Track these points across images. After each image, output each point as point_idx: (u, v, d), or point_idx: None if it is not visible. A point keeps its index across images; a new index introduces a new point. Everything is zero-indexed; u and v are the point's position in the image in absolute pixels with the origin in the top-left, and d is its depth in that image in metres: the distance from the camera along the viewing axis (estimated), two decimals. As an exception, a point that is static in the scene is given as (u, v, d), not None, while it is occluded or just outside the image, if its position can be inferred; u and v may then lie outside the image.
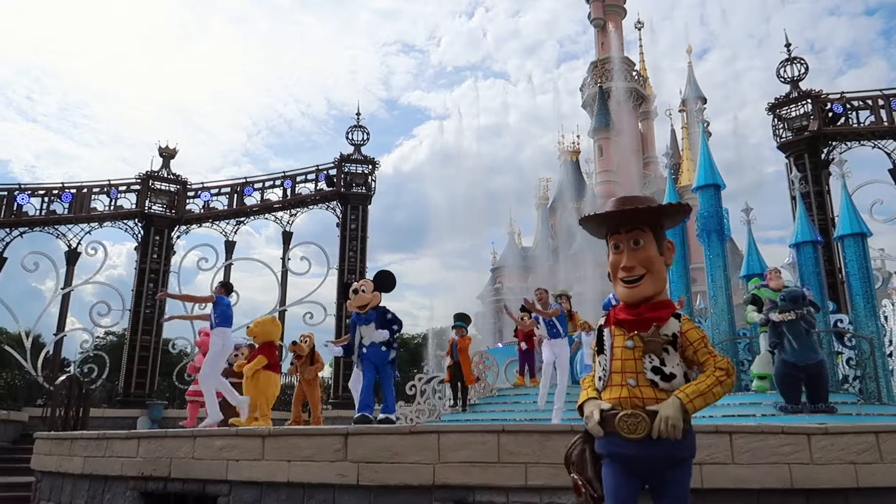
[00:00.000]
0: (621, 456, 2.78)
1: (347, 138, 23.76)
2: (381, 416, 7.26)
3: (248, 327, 8.75)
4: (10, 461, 13.35)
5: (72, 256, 21.32)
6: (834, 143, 19.90)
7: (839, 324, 11.02)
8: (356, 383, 8.63)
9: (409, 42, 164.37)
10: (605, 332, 2.96)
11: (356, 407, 7.48)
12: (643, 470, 2.79)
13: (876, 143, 19.68)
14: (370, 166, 23.39)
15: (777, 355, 8.19)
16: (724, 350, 10.51)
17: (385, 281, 7.37)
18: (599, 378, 2.92)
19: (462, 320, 11.92)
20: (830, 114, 19.89)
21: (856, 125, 19.85)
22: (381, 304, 7.31)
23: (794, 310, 7.91)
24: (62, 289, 20.97)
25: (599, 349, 2.97)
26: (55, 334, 20.77)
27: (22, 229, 20.91)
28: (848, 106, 19.96)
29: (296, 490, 5.90)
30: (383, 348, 7.14)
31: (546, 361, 9.33)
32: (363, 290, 7.17)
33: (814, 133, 19.59)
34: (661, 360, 2.81)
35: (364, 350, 7.16)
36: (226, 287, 8.92)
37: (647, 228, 2.91)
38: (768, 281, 9.21)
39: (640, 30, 63.30)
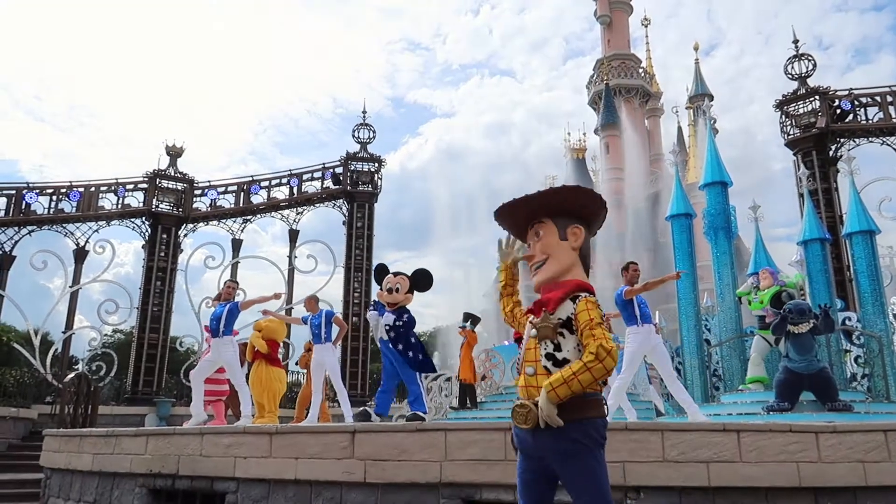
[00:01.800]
0: (522, 446, 2.81)
1: (353, 136, 23.80)
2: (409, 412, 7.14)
3: (256, 321, 8.78)
4: (19, 458, 13.46)
5: (80, 255, 21.42)
6: (842, 140, 19.79)
7: (847, 322, 10.97)
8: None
9: (414, 40, 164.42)
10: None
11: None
12: (542, 460, 2.74)
13: (884, 139, 19.55)
14: (376, 164, 23.41)
15: (781, 362, 8.26)
16: (732, 348, 10.48)
17: (421, 282, 7.17)
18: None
19: (468, 320, 11.93)
20: (839, 110, 19.78)
21: (864, 122, 19.74)
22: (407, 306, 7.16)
23: (801, 322, 7.99)
24: (70, 287, 21.07)
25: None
26: (64, 332, 20.88)
27: (30, 228, 21.01)
28: (856, 102, 19.84)
29: (303, 487, 5.92)
30: (391, 346, 7.08)
31: None
32: (397, 290, 7.04)
33: (822, 130, 19.48)
34: (557, 344, 2.74)
35: (380, 341, 7.15)
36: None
37: (546, 219, 2.96)
38: (760, 280, 9.24)
39: (646, 26, 63.16)
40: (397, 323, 7.03)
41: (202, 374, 8.43)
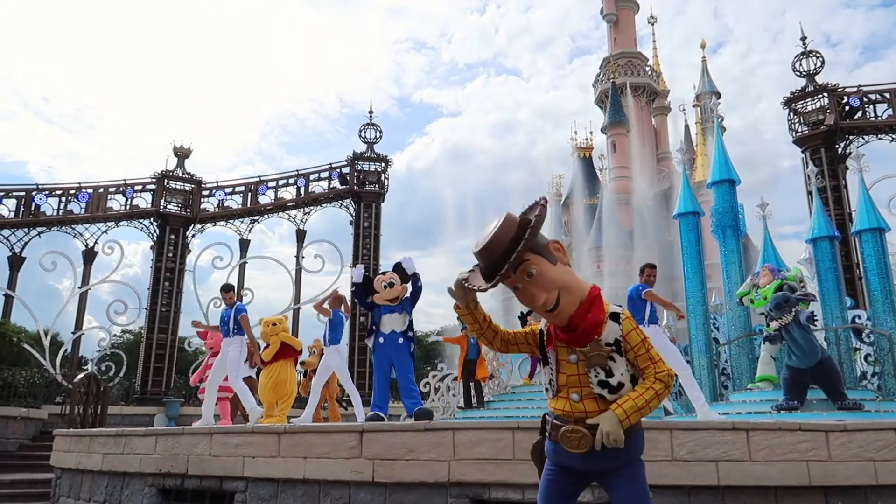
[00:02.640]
0: (562, 464, 2.76)
1: (360, 136, 23.86)
2: (417, 409, 7.15)
3: (269, 325, 8.80)
4: (30, 458, 13.55)
5: (89, 256, 21.56)
6: (851, 137, 19.69)
7: (857, 320, 10.90)
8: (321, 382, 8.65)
9: (420, 39, 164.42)
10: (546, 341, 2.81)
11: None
12: (588, 479, 2.77)
13: (894, 136, 19.43)
14: (383, 164, 23.46)
15: (782, 361, 8.22)
16: (741, 347, 10.44)
17: (404, 270, 7.37)
18: (546, 389, 2.82)
19: None
20: (847, 107, 19.68)
21: (873, 118, 19.63)
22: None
23: (781, 317, 7.95)
24: (79, 288, 21.20)
25: (544, 360, 2.82)
26: (73, 333, 21.02)
27: (40, 229, 21.18)
28: (865, 99, 19.74)
29: (312, 487, 5.94)
30: (400, 340, 7.09)
31: None
32: (393, 284, 7.17)
33: (830, 127, 19.38)
34: (608, 370, 2.66)
35: (381, 340, 7.11)
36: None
37: (528, 254, 2.61)
38: (760, 278, 9.19)
39: (653, 24, 62.95)
40: (410, 320, 7.23)
41: (218, 376, 8.57)
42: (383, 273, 7.40)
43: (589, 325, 2.66)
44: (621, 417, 2.57)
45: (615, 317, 2.70)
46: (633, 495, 2.73)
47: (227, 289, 9.10)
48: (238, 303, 8.78)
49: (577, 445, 2.63)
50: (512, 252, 2.56)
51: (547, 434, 2.82)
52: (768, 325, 8.45)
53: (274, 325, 8.67)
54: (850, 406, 7.67)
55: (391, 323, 7.11)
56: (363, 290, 7.28)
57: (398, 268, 7.32)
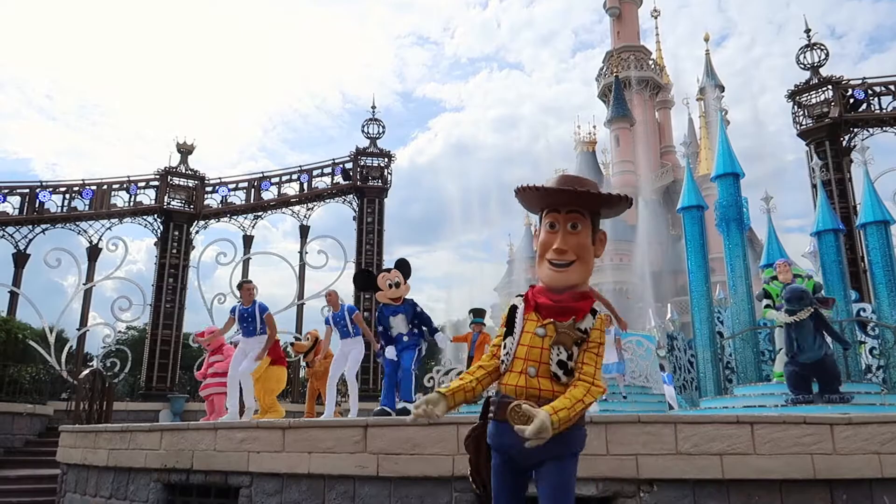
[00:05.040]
0: (503, 444, 2.73)
1: (363, 132, 23.83)
2: (399, 405, 7.26)
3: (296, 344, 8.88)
4: (36, 454, 13.61)
5: (93, 252, 21.58)
6: (855, 130, 19.59)
7: (862, 313, 10.88)
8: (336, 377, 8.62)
9: (423, 34, 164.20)
10: (519, 313, 2.82)
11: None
12: (526, 462, 2.73)
13: (899, 129, 19.33)
14: (386, 159, 23.43)
15: (786, 354, 8.10)
16: (745, 341, 10.42)
17: (407, 268, 7.43)
18: (502, 361, 2.79)
19: (480, 315, 11.90)
20: (852, 100, 19.57)
21: (878, 111, 19.52)
22: (409, 297, 7.39)
23: (799, 309, 7.80)
24: (84, 284, 21.23)
25: (508, 330, 2.82)
26: (78, 329, 21.06)
27: (44, 226, 21.19)
28: (870, 92, 19.63)
29: (316, 481, 5.95)
30: (406, 339, 7.15)
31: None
32: (398, 283, 7.18)
33: (835, 120, 19.29)
34: (570, 353, 2.69)
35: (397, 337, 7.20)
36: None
37: (587, 214, 2.77)
38: (777, 273, 9.11)
39: (656, 18, 62.72)
40: (418, 310, 7.31)
41: (246, 370, 8.47)
42: (387, 270, 7.39)
43: (578, 304, 2.74)
44: (554, 424, 2.53)
45: (594, 312, 2.77)
46: (562, 493, 2.72)
47: (249, 285, 8.75)
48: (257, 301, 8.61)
49: (525, 420, 2.58)
50: (574, 191, 2.67)
51: (491, 415, 2.79)
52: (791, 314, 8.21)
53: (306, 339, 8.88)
54: (836, 400, 7.61)
55: (397, 326, 7.20)
56: (366, 284, 7.29)
57: (401, 264, 7.34)
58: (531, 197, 2.80)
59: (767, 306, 9.10)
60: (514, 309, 2.85)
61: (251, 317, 8.38)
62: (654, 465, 4.97)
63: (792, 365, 7.91)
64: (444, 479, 5.45)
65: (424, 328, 7.35)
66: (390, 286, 7.18)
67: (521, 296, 2.90)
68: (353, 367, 8.28)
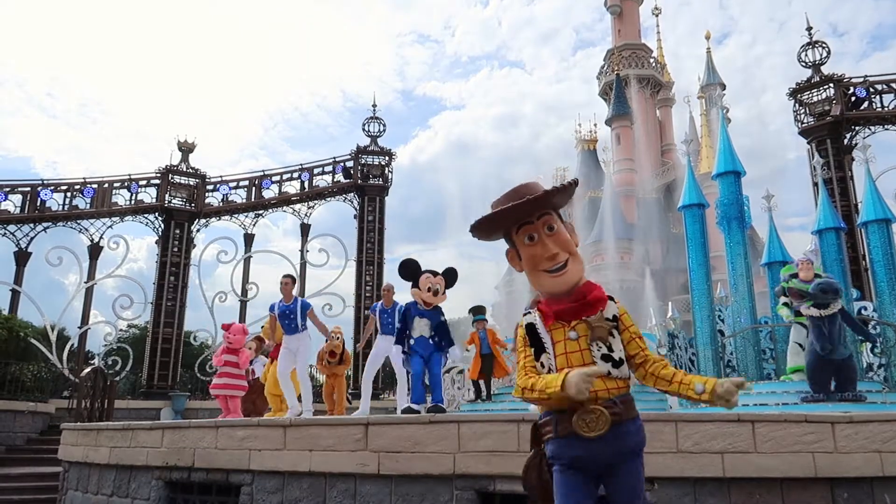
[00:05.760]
0: (578, 458, 2.62)
1: (364, 130, 23.82)
2: (430, 404, 7.20)
3: (262, 328, 8.76)
4: (38, 452, 13.64)
5: (94, 251, 21.59)
6: (857, 128, 19.56)
7: (863, 311, 10.86)
8: (371, 374, 8.62)
9: (424, 32, 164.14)
10: (540, 328, 2.72)
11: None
12: (599, 468, 2.64)
13: (900, 127, 19.30)
14: (387, 158, 23.43)
15: (809, 347, 7.94)
16: (746, 339, 10.41)
17: (453, 281, 7.31)
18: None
19: (482, 312, 11.88)
20: (853, 98, 19.54)
21: (880, 109, 19.48)
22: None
23: (829, 302, 7.64)
24: (85, 283, 21.25)
25: (538, 349, 2.71)
26: (79, 327, 21.08)
27: (45, 224, 21.20)
28: (871, 90, 19.59)
29: (318, 479, 5.96)
30: (431, 341, 7.12)
31: None
32: (437, 292, 7.10)
33: (836, 118, 19.25)
34: (609, 345, 2.65)
35: (412, 342, 7.14)
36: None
37: (553, 212, 2.75)
38: (798, 271, 9.03)
39: (657, 16, 62.67)
40: (442, 319, 7.20)
41: (287, 367, 8.46)
42: (434, 274, 7.18)
43: (593, 296, 2.70)
44: (686, 381, 2.61)
45: (611, 297, 2.75)
46: (637, 486, 2.69)
47: (287, 279, 8.60)
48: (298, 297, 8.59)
49: (595, 427, 2.54)
50: (543, 194, 2.65)
51: (552, 434, 2.67)
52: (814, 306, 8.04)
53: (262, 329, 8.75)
54: (851, 398, 7.55)
55: (420, 328, 7.11)
56: (412, 275, 7.18)
57: (449, 274, 7.22)
58: (497, 223, 2.73)
59: (785, 304, 9.02)
60: (531, 327, 2.75)
61: (293, 313, 8.28)
62: (655, 464, 4.96)
63: (818, 361, 7.76)
64: (445, 477, 5.45)
65: (441, 340, 7.21)
66: (430, 290, 7.09)
67: (530, 312, 2.80)
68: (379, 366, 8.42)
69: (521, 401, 2.84)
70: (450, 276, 7.22)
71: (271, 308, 8.59)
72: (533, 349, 2.73)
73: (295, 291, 8.66)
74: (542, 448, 2.76)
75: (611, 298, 2.74)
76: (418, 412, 6.83)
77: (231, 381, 9.09)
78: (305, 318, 8.36)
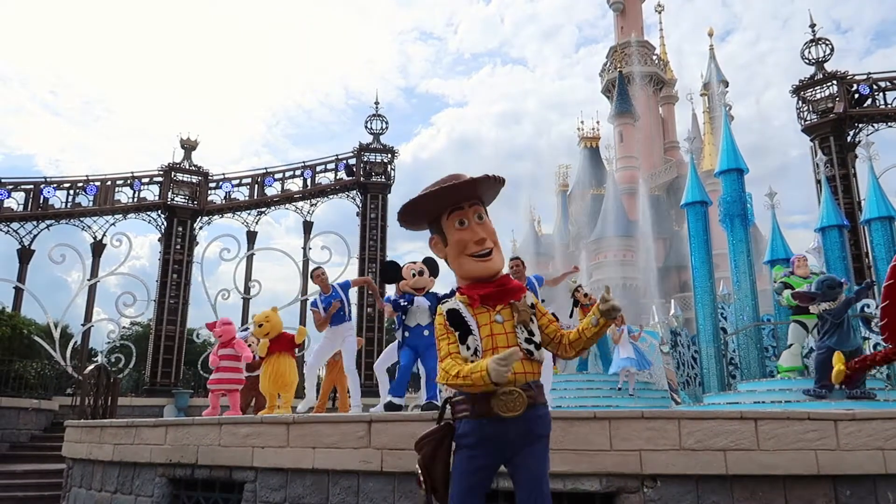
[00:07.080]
0: (489, 438, 2.72)
1: (366, 127, 23.81)
2: (424, 402, 7.13)
3: (256, 327, 8.52)
4: (42, 449, 13.69)
5: (97, 248, 21.65)
6: (860, 125, 19.52)
7: (866, 309, 10.85)
8: (385, 363, 8.43)
9: (426, 29, 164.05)
10: (464, 312, 2.83)
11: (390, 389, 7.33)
12: (504, 451, 2.75)
13: (904, 124, 19.26)
14: (389, 155, 23.43)
15: (821, 341, 7.92)
16: (748, 336, 10.42)
17: (435, 266, 7.24)
18: (468, 361, 2.75)
19: None
20: (857, 95, 19.51)
21: (883, 106, 19.45)
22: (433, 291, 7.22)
23: (834, 298, 7.66)
24: (88, 280, 21.30)
25: (464, 332, 2.80)
26: (83, 325, 21.14)
27: (48, 222, 21.25)
28: (875, 87, 19.56)
29: (321, 476, 5.97)
30: (426, 332, 7.02)
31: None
32: (421, 273, 7.10)
33: (839, 115, 19.22)
34: (530, 330, 2.82)
35: (407, 334, 7.08)
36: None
37: (481, 204, 2.92)
38: (795, 268, 9.03)
39: (660, 13, 62.57)
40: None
41: (321, 360, 8.41)
42: (413, 262, 7.27)
43: (514, 284, 2.90)
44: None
45: (525, 288, 2.96)
46: (544, 470, 2.80)
47: (320, 271, 8.46)
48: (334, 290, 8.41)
49: (513, 407, 2.68)
50: (478, 178, 2.80)
51: (468, 413, 2.76)
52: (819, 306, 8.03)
53: (261, 325, 8.46)
54: (859, 395, 7.55)
55: (419, 314, 7.02)
56: (393, 277, 7.17)
57: (427, 261, 7.23)
58: (430, 204, 2.87)
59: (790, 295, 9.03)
60: (452, 312, 2.85)
61: (340, 301, 8.17)
62: (658, 461, 4.97)
63: (823, 351, 7.72)
64: (447, 474, 5.45)
65: None
66: (414, 274, 7.09)
67: (449, 298, 2.97)
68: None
69: (448, 387, 2.94)
70: (428, 263, 7.21)
71: (314, 304, 8.42)
72: (458, 334, 2.82)
73: (297, 288, 8.65)
74: (448, 425, 2.88)
75: (528, 288, 2.97)
76: (399, 407, 6.79)
77: (228, 374, 9.03)
78: (350, 305, 8.25)
